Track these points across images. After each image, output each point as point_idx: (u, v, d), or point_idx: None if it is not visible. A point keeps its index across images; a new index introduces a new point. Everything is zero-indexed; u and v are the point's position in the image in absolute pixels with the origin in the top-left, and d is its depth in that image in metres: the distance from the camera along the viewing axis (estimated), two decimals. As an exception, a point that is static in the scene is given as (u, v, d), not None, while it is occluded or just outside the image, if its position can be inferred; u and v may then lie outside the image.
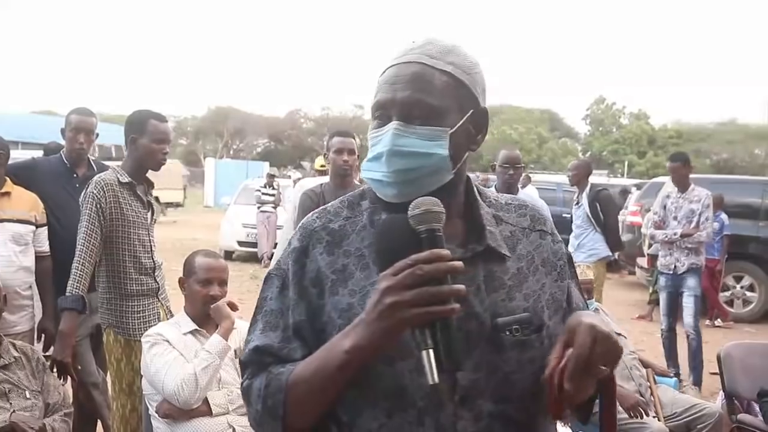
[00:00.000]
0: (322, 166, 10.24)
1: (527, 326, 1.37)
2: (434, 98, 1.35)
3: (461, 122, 1.38)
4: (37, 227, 4.12)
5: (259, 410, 1.37)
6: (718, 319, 9.99)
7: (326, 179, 4.50)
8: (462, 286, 1.18)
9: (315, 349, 1.35)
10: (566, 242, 6.64)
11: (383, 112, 1.38)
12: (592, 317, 1.27)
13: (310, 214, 1.51)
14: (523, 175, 10.16)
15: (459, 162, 1.39)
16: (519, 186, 5.71)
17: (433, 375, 1.15)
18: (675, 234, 6.87)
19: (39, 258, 4.14)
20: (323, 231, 1.44)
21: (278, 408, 1.34)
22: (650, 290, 10.25)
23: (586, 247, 7.64)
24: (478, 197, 1.47)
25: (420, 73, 1.36)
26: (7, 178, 4.11)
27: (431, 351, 1.16)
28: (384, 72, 1.40)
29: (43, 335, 4.19)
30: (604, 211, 7.70)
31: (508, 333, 1.35)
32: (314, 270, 1.40)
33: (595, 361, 1.21)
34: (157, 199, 4.27)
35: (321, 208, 1.52)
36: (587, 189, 7.86)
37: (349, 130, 4.62)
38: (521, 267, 1.43)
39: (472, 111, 1.40)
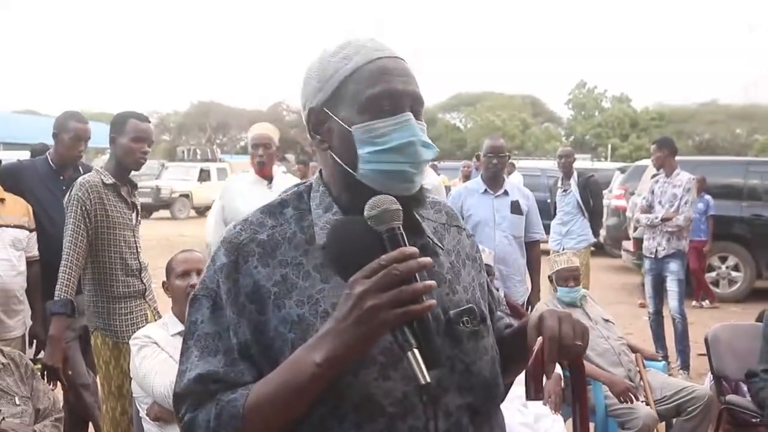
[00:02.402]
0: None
1: (474, 317, 1.38)
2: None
3: None
4: (29, 232, 4.11)
5: None
6: (705, 301, 10.07)
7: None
8: (433, 282, 1.17)
9: (264, 368, 1.28)
10: (547, 228, 6.75)
11: (394, 103, 1.33)
12: (548, 309, 1.35)
13: (231, 226, 1.41)
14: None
15: None
16: (505, 175, 5.70)
17: (424, 374, 1.13)
18: (656, 218, 6.91)
19: (28, 263, 4.12)
20: (252, 243, 1.35)
21: None
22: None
23: (575, 234, 7.72)
24: None
25: (410, 69, 1.38)
26: None
27: (416, 350, 1.14)
28: (367, 64, 1.35)
29: (34, 340, 4.18)
30: (593, 198, 7.84)
31: (461, 325, 1.36)
32: (249, 285, 1.32)
33: (566, 338, 1.28)
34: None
35: (242, 219, 1.42)
36: (574, 176, 7.96)
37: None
38: (452, 261, 1.45)
39: None
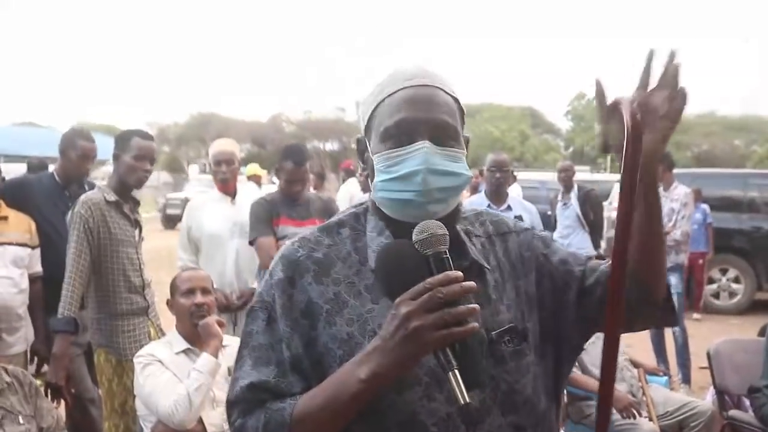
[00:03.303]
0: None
1: (515, 336, 1.40)
2: (455, 122, 1.40)
3: (465, 146, 1.42)
4: (32, 249, 4.12)
5: None
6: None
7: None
8: (477, 306, 1.20)
9: (313, 381, 1.33)
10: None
11: (406, 132, 1.36)
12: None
13: (289, 243, 1.48)
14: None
15: None
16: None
17: (464, 395, 1.17)
18: None
19: (31, 280, 4.12)
20: (308, 260, 1.41)
21: None
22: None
23: (576, 247, 7.71)
24: None
25: (442, 97, 1.39)
26: (2, 202, 4.10)
27: (457, 371, 1.18)
28: (393, 94, 1.39)
29: (35, 357, 4.18)
30: (594, 211, 7.87)
31: (503, 345, 1.38)
32: (303, 301, 1.38)
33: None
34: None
35: (300, 236, 1.49)
36: (574, 189, 8.00)
37: (305, 151, 4.58)
38: (497, 278, 1.46)
39: (466, 137, 1.45)
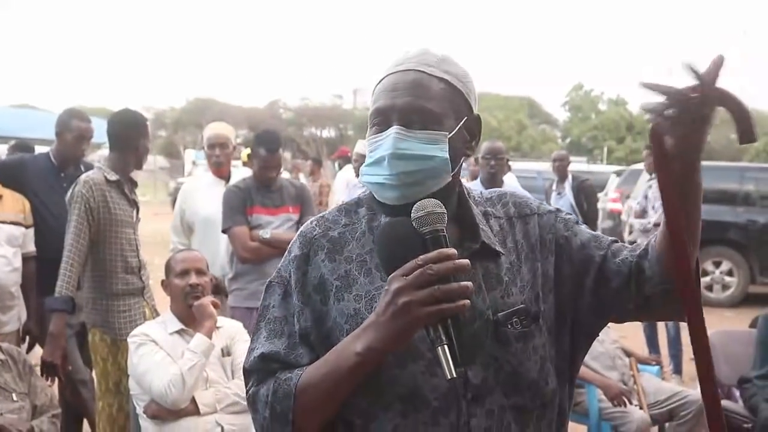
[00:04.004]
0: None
1: (525, 317, 1.41)
2: (433, 104, 1.40)
3: (458, 127, 1.42)
4: (26, 228, 4.11)
5: (267, 417, 1.39)
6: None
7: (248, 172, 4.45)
8: (469, 283, 1.22)
9: (321, 354, 1.38)
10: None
11: (383, 119, 1.41)
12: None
13: (308, 221, 1.55)
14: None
15: (456, 166, 1.43)
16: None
17: (450, 370, 1.19)
18: (649, 223, 6.94)
19: (24, 259, 4.13)
20: (323, 238, 1.47)
21: (287, 414, 1.36)
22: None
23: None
24: (468, 198, 1.51)
25: (419, 80, 1.41)
26: None
27: (446, 347, 1.20)
28: (381, 80, 1.45)
29: (27, 336, 4.19)
30: (588, 201, 7.89)
31: (510, 326, 1.39)
32: (317, 277, 1.44)
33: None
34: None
35: (319, 215, 1.55)
36: (569, 179, 8.00)
37: (278, 138, 4.49)
38: (513, 260, 1.47)
39: (466, 117, 1.45)
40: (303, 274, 1.45)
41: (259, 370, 1.43)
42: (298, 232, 1.53)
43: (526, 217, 1.54)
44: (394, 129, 1.38)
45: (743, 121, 1.24)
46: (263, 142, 4.26)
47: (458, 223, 1.46)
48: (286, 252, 1.51)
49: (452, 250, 1.23)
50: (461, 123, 1.44)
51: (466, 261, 1.23)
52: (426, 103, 1.39)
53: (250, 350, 1.47)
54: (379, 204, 1.45)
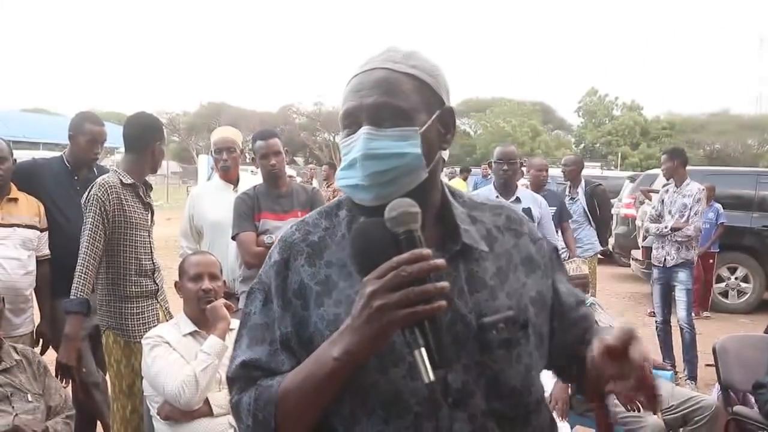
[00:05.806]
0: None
1: (512, 324, 1.39)
2: (401, 100, 1.36)
3: (430, 122, 1.39)
4: (40, 232, 4.15)
5: (250, 425, 1.36)
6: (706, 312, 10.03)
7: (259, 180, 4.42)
8: (446, 283, 1.19)
9: (303, 359, 1.35)
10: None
11: (352, 120, 1.39)
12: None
13: (290, 227, 1.52)
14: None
15: (432, 161, 1.40)
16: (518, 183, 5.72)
17: (428, 373, 1.16)
18: (666, 227, 6.91)
19: (39, 262, 4.16)
20: (303, 243, 1.45)
21: (270, 421, 1.34)
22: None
23: (582, 242, 7.70)
24: (451, 197, 1.49)
25: (385, 78, 1.38)
26: (12, 184, 4.13)
27: (423, 350, 1.17)
28: (349, 82, 1.42)
29: (41, 340, 4.22)
30: (601, 206, 7.86)
31: (494, 332, 1.37)
32: (297, 282, 1.41)
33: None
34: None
35: (300, 220, 1.52)
36: (582, 184, 7.98)
37: (271, 130, 4.53)
38: (501, 266, 1.45)
39: (439, 111, 1.42)
40: (283, 279, 1.42)
41: (241, 377, 1.41)
42: (279, 237, 1.50)
43: (515, 231, 1.52)
44: (364, 130, 1.35)
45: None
46: (257, 136, 4.33)
47: (440, 224, 1.44)
48: (267, 257, 1.50)
49: (427, 251, 1.20)
50: (433, 117, 1.40)
51: (442, 261, 1.19)
52: (393, 99, 1.36)
53: (232, 358, 1.45)
54: (357, 206, 1.42)
